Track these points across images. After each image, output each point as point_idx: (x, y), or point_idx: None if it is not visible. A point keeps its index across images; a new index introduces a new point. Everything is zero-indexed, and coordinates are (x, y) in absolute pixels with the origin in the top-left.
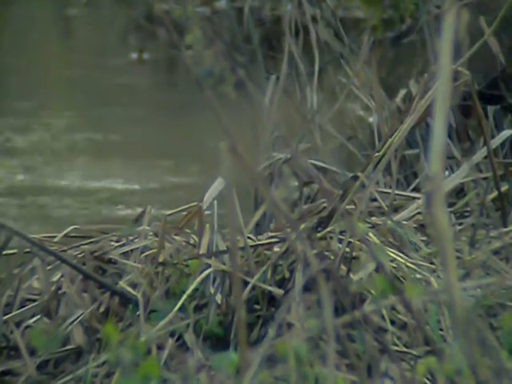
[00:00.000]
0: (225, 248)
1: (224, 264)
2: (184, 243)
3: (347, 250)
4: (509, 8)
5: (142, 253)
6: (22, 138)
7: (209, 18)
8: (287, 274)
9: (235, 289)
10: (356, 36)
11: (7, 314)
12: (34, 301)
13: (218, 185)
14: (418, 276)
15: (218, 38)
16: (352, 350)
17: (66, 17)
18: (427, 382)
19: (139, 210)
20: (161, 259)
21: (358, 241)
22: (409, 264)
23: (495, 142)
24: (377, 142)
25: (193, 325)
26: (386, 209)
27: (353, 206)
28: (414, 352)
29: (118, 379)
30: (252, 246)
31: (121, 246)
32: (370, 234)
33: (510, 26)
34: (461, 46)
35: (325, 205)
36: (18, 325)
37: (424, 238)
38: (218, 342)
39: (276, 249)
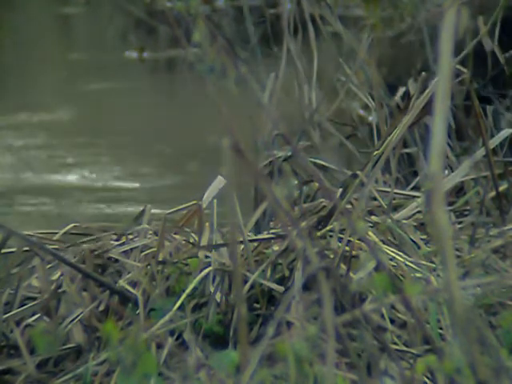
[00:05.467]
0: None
1: (224, 263)
2: (184, 242)
3: (347, 248)
4: (508, 8)
5: (142, 251)
6: (20, 136)
7: (208, 17)
8: (287, 273)
9: (236, 284)
10: (355, 34)
11: (7, 312)
12: (34, 299)
13: (217, 183)
14: (418, 275)
15: (220, 35)
16: (352, 348)
17: (66, 15)
18: (427, 380)
19: (139, 208)
20: (160, 258)
21: (358, 240)
22: (408, 263)
23: (494, 141)
24: (376, 141)
25: (192, 323)
26: (386, 207)
27: (352, 205)
28: (414, 351)
29: (117, 378)
30: (251, 241)
31: (120, 244)
32: (370, 233)
33: (510, 25)
34: (461, 45)
35: (324, 204)
36: (17, 323)
37: (424, 237)
38: (218, 340)
39: (276, 247)
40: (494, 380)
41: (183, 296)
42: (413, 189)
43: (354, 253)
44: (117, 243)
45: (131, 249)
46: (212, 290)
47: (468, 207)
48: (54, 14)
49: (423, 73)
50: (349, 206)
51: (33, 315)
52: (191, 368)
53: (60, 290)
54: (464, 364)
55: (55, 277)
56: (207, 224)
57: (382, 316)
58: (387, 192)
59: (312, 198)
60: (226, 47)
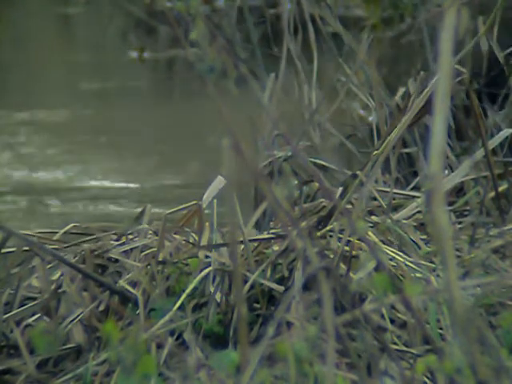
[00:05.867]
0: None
1: (224, 263)
2: (184, 242)
3: (347, 248)
4: (508, 8)
5: (142, 251)
6: (20, 135)
7: (209, 17)
8: (286, 273)
9: (236, 283)
10: (355, 34)
11: (7, 312)
12: (34, 299)
13: (217, 183)
14: (418, 275)
15: (220, 35)
16: (352, 348)
17: (66, 15)
18: (427, 380)
19: (139, 208)
20: (161, 258)
21: (358, 239)
22: (408, 263)
23: (494, 142)
24: (376, 141)
25: (192, 323)
26: (385, 207)
27: (352, 205)
28: (414, 351)
29: (117, 378)
30: (251, 241)
31: (120, 244)
32: (370, 233)
33: (510, 25)
34: (461, 45)
35: (324, 204)
36: (17, 323)
37: (424, 237)
38: (218, 340)
39: (276, 247)
40: (494, 380)
41: (183, 296)
42: (413, 189)
43: (353, 253)
44: (117, 243)
45: (131, 249)
46: (212, 289)
47: (468, 207)
48: (55, 13)
49: (422, 72)
50: (349, 206)
51: (33, 315)
52: (191, 368)
53: (60, 290)
54: (464, 364)
55: (55, 277)
56: (207, 224)
57: (382, 316)
58: (387, 192)
59: (312, 198)
60: (225, 47)
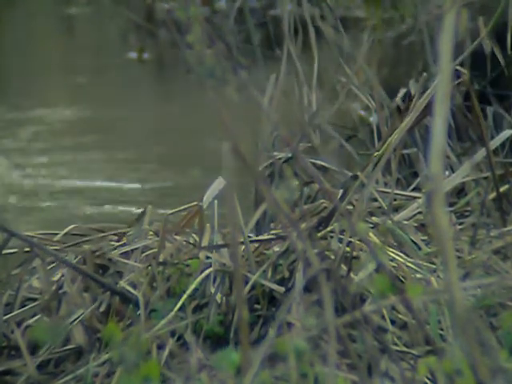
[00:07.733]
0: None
1: (225, 264)
2: (184, 243)
3: (347, 249)
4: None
5: (143, 252)
6: (20, 136)
7: (209, 19)
8: (287, 274)
9: (236, 284)
10: (356, 35)
11: (8, 313)
12: (35, 300)
13: (217, 184)
14: (419, 276)
15: (220, 38)
16: (352, 349)
17: (67, 16)
18: (428, 381)
19: (140, 209)
20: (161, 259)
21: (359, 240)
22: (409, 264)
23: (495, 142)
24: (377, 142)
25: (193, 324)
26: (386, 208)
27: (352, 206)
28: (415, 352)
29: (118, 379)
30: (252, 242)
31: (121, 245)
32: (370, 234)
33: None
34: (461, 46)
35: (325, 205)
36: (18, 324)
37: (424, 238)
38: (219, 341)
39: (276, 248)
40: (492, 381)
41: (184, 297)
42: (413, 190)
43: (354, 254)
44: (118, 244)
45: (132, 250)
46: (213, 290)
47: (469, 208)
48: (55, 14)
49: (424, 74)
50: (349, 207)
51: (34, 316)
52: (192, 369)
53: (61, 291)
54: (464, 365)
55: (56, 278)
56: (208, 225)
57: (383, 317)
58: (388, 193)
59: (313, 199)
60: (225, 50)
